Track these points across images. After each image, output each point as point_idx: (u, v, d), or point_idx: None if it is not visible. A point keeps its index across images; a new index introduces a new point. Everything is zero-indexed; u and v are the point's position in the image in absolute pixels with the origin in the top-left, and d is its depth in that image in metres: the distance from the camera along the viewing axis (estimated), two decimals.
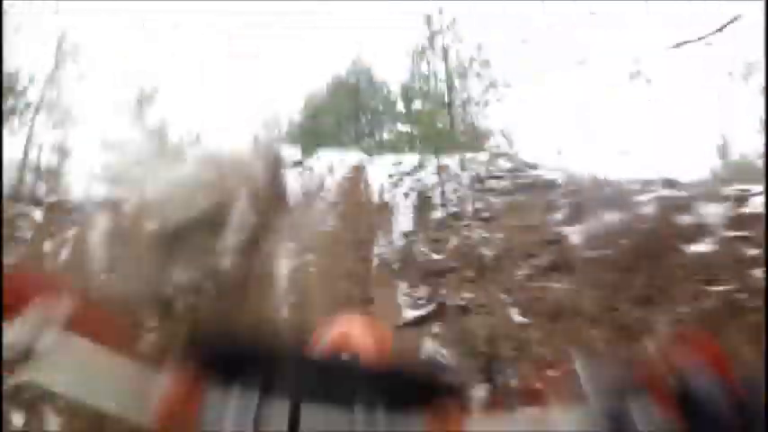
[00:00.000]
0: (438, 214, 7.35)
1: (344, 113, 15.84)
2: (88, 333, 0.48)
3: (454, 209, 7.34)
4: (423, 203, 7.55)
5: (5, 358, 0.43)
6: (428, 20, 11.38)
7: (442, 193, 7.63)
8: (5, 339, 0.43)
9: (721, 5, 6.98)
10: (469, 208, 7.33)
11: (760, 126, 7.90)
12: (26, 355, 0.43)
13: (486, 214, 7.27)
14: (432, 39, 11.34)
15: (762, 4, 5.83)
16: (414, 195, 7.77)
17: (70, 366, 0.46)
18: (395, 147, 12.37)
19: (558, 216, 6.76)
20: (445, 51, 11.31)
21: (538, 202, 7.16)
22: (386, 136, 15.48)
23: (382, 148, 12.77)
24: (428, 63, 11.66)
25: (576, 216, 6.55)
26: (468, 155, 8.96)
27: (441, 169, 8.15)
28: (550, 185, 7.54)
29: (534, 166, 8.34)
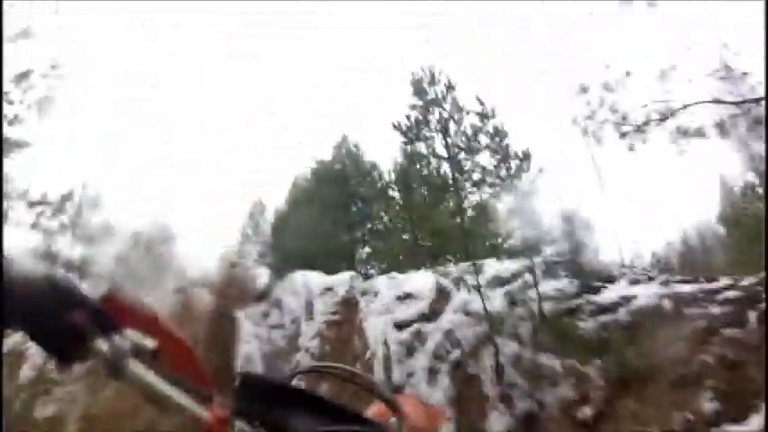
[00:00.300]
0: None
1: (331, 202, 13.41)
2: (168, 363, 0.52)
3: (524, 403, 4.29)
4: (463, 387, 4.48)
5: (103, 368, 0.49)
6: (418, 86, 9.03)
7: (497, 365, 4.54)
8: (102, 350, 0.47)
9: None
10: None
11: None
12: (113, 371, 0.48)
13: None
14: (426, 110, 8.93)
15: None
16: (445, 370, 4.67)
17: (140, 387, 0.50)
18: (393, 254, 9.74)
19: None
20: (444, 123, 8.87)
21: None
22: (378, 225, 12.94)
23: (378, 257, 10.15)
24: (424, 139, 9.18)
25: None
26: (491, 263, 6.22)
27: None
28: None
29: (611, 280, 5.57)
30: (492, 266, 6.58)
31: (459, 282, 6.40)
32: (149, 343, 0.52)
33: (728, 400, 4.29)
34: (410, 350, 5.17)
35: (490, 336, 4.98)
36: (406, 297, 6.03)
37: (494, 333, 5.00)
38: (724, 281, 5.93)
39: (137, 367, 0.51)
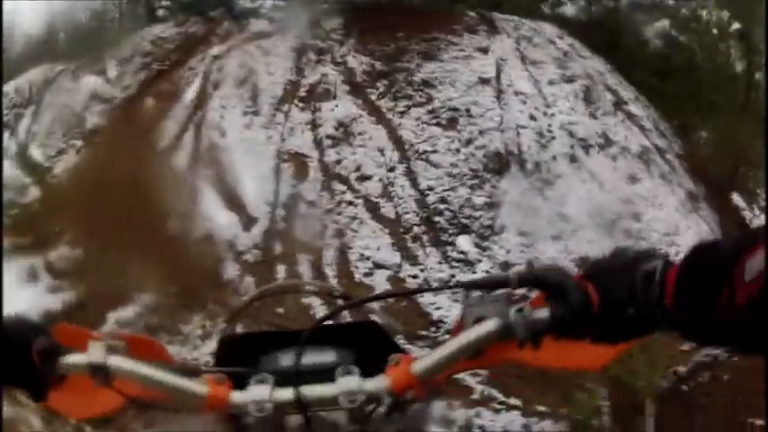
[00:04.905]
0: None
1: None
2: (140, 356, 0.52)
3: None
4: None
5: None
6: None
7: None
8: (79, 361, 0.49)
9: None
10: None
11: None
12: (100, 375, 0.49)
13: None
14: None
15: None
16: None
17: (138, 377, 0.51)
18: None
19: None
20: None
21: None
22: None
23: None
24: None
25: None
26: None
27: None
28: None
29: None
30: None
31: None
32: (118, 342, 0.51)
33: None
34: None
35: None
36: None
37: None
38: None
39: (122, 363, 0.50)
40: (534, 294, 0.49)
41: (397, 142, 7.78)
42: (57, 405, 0.53)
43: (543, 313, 0.47)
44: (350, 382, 0.51)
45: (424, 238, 7.08)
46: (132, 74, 8.88)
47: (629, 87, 9.26)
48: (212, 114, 8.08)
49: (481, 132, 8.32)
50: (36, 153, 7.84)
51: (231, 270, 6.33)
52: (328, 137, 7.67)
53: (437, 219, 7.22)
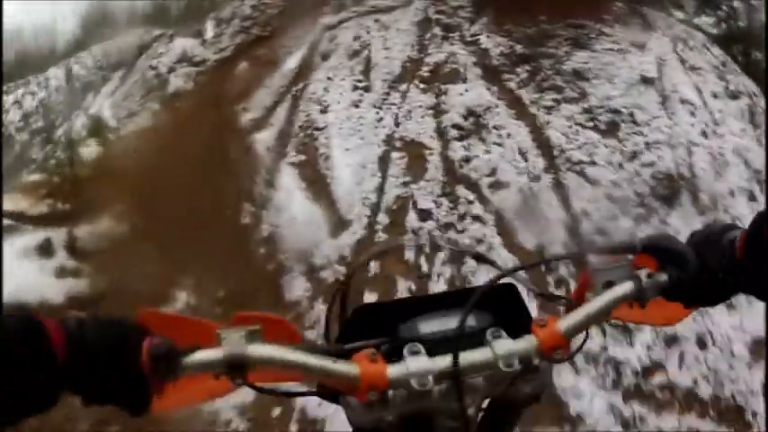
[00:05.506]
0: None
1: None
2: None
3: None
4: None
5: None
6: None
7: None
8: (199, 360, 0.43)
9: None
10: None
11: None
12: (233, 370, 0.43)
13: None
14: None
15: None
16: None
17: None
18: None
19: None
20: None
21: None
22: None
23: None
24: None
25: None
26: None
27: None
28: None
29: None
30: None
31: None
32: (252, 327, 0.45)
33: None
34: None
35: None
36: None
37: None
38: None
39: (263, 351, 0.45)
40: (636, 258, 0.55)
41: (544, 145, 5.87)
42: (158, 409, 0.43)
43: (662, 277, 0.55)
44: (503, 345, 0.51)
45: (573, 284, 5.11)
46: (229, 36, 7.77)
47: None
48: (315, 86, 6.65)
49: (648, 145, 6.30)
50: (107, 114, 6.96)
51: (298, 288, 4.68)
52: (454, 126, 5.92)
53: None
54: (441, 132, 5.71)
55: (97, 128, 6.95)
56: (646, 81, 6.88)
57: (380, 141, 5.63)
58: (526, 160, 5.70)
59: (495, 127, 5.92)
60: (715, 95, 6.97)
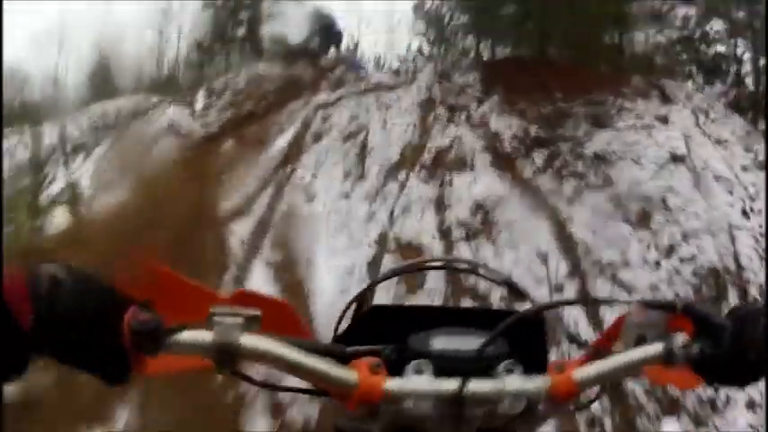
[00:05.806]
0: None
1: None
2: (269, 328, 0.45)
3: None
4: None
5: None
6: None
7: None
8: (185, 340, 0.40)
9: None
10: None
11: None
12: (222, 358, 0.40)
13: None
14: None
15: None
16: None
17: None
18: None
19: None
20: None
21: None
22: None
23: None
24: None
25: None
26: None
27: None
28: None
29: None
30: None
31: None
32: (251, 311, 0.42)
33: None
34: None
35: None
36: None
37: None
38: None
39: (257, 343, 0.41)
40: (672, 319, 0.50)
41: (567, 244, 4.96)
42: (137, 375, 0.41)
43: (695, 349, 0.50)
44: (514, 383, 0.48)
45: (607, 423, 4.01)
46: (218, 110, 7.22)
47: None
48: (302, 172, 5.94)
49: (685, 236, 5.42)
50: (85, 182, 6.44)
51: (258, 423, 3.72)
52: (460, 224, 5.07)
53: (633, 389, 4.11)
54: (443, 232, 4.85)
55: (72, 196, 6.60)
56: (675, 159, 6.13)
57: (372, 242, 4.75)
58: (545, 264, 4.77)
59: (507, 223, 5.05)
60: (745, 168, 6.18)
